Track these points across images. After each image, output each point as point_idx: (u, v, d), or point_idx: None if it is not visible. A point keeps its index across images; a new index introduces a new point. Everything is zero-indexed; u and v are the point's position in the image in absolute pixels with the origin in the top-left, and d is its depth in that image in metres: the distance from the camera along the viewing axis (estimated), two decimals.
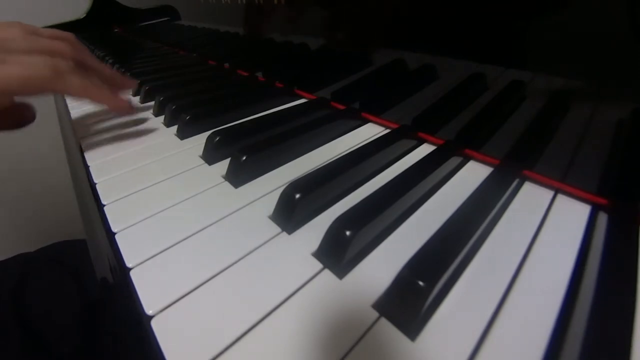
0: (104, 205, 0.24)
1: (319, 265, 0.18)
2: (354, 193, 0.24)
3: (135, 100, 0.46)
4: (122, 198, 0.24)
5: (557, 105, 0.22)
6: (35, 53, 0.27)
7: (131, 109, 0.34)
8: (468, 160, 0.27)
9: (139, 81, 0.48)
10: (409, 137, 0.29)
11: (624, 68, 0.19)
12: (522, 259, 0.18)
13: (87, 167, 0.29)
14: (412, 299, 0.15)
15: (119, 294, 0.18)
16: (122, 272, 0.18)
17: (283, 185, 0.24)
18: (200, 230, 0.21)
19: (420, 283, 0.15)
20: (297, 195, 0.21)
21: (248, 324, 0.15)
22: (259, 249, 0.19)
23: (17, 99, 0.29)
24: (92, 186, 0.26)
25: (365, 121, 0.35)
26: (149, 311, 0.16)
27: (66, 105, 0.46)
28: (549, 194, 0.23)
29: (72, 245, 0.54)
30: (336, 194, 0.24)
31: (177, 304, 0.16)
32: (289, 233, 0.21)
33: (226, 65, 0.57)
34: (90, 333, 0.38)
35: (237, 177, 0.26)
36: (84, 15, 1.03)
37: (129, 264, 0.19)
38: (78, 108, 0.44)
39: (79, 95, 0.29)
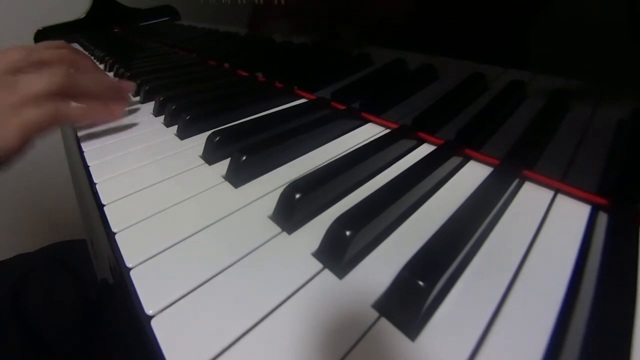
0: (104, 205, 0.24)
1: (319, 265, 0.18)
2: (354, 193, 0.24)
3: (136, 100, 0.46)
4: (122, 198, 0.24)
5: (557, 105, 0.22)
6: (34, 99, 0.30)
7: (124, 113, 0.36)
8: (468, 160, 0.27)
9: (138, 81, 0.48)
10: (409, 137, 0.29)
11: (624, 68, 0.19)
12: (522, 259, 0.18)
13: (87, 167, 0.29)
14: (412, 299, 0.15)
15: (119, 294, 0.18)
16: (122, 272, 0.18)
17: (283, 185, 0.24)
18: (200, 230, 0.21)
19: (420, 283, 0.15)
20: (297, 195, 0.21)
21: (248, 324, 0.15)
22: (259, 248, 0.19)
23: None
24: (92, 186, 0.26)
25: (365, 121, 0.35)
26: (149, 311, 0.16)
27: None
28: (549, 194, 0.23)
29: (72, 245, 0.54)
30: (336, 194, 0.24)
31: (177, 304, 0.16)
32: (289, 233, 0.21)
33: (226, 65, 0.57)
34: (90, 333, 0.38)
35: (237, 177, 0.26)
36: (84, 15, 1.03)
37: (129, 264, 0.19)
38: None
39: (80, 121, 0.33)
